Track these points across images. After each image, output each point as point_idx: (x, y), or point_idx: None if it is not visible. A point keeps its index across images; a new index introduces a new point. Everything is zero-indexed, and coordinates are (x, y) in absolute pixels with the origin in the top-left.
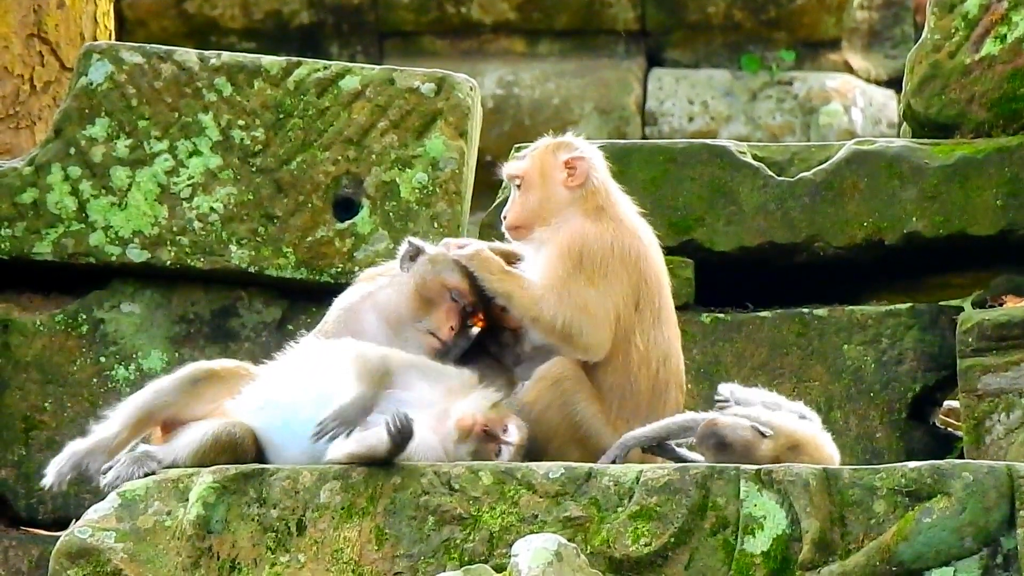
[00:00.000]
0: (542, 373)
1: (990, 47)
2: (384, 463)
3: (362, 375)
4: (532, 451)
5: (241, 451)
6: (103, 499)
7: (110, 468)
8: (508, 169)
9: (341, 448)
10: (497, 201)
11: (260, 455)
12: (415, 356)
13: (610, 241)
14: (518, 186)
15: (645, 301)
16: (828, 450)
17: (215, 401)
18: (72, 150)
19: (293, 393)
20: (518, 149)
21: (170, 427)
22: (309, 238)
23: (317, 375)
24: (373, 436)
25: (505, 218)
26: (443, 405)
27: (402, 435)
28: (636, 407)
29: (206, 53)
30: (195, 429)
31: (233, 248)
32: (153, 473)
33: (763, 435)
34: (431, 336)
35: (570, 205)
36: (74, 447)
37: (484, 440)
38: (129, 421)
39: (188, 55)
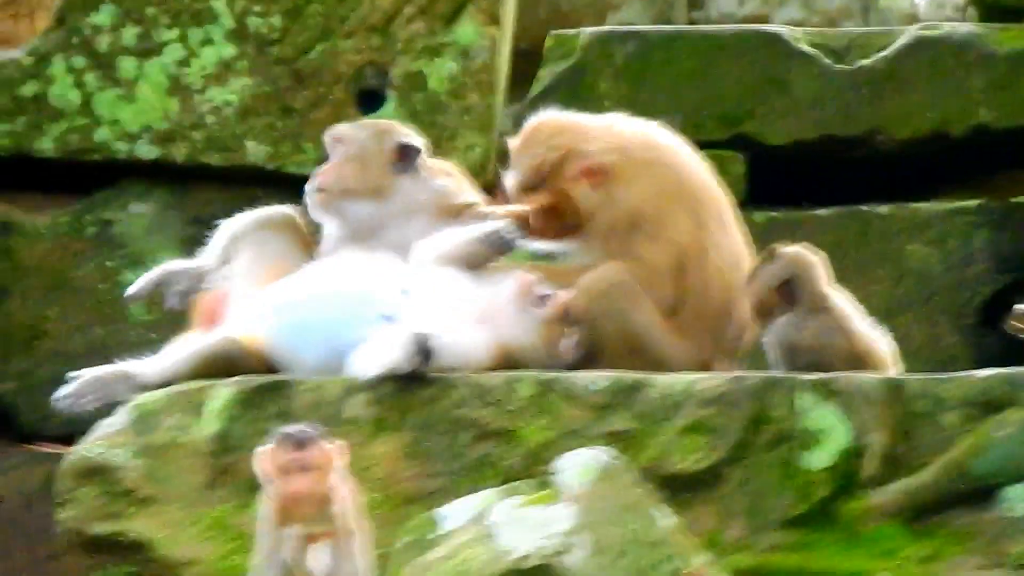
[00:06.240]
0: (589, 283)
1: None
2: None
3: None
4: (583, 364)
5: (242, 369)
6: (114, 412)
7: (73, 380)
8: (531, 200)
9: (365, 368)
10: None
11: (268, 370)
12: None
13: (653, 192)
14: (547, 208)
15: (706, 213)
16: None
17: (280, 257)
18: (76, 39)
19: (317, 292)
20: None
21: (213, 316)
22: None
23: (343, 276)
24: (395, 354)
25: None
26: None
27: (424, 354)
28: (703, 316)
29: None
30: (189, 344)
31: (250, 144)
32: (112, 403)
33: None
34: None
35: (603, 197)
36: (164, 268)
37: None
38: (220, 249)
39: None
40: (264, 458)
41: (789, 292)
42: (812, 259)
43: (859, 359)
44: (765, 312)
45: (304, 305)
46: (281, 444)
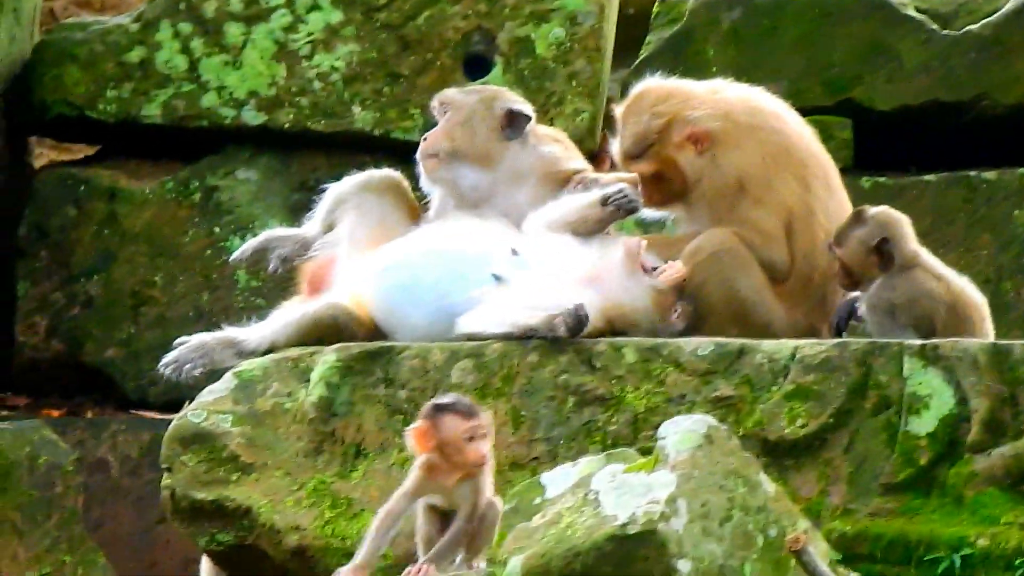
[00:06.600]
0: (695, 248)
1: None
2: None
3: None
4: (688, 330)
5: (347, 335)
6: (218, 378)
7: (177, 346)
8: (637, 168)
9: (511, 321)
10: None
11: (373, 336)
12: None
13: (759, 156)
14: (653, 175)
15: (812, 177)
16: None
17: (385, 221)
18: (182, 5)
19: (427, 252)
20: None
21: (319, 283)
22: None
23: (453, 238)
24: (551, 319)
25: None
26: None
27: (579, 327)
28: (810, 281)
29: None
30: (293, 310)
31: (356, 110)
32: (216, 369)
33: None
34: None
35: (708, 163)
36: (269, 234)
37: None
38: (324, 215)
39: None
40: (426, 434)
41: (884, 252)
42: (901, 217)
43: (957, 305)
44: (859, 276)
45: (414, 264)
46: (459, 414)
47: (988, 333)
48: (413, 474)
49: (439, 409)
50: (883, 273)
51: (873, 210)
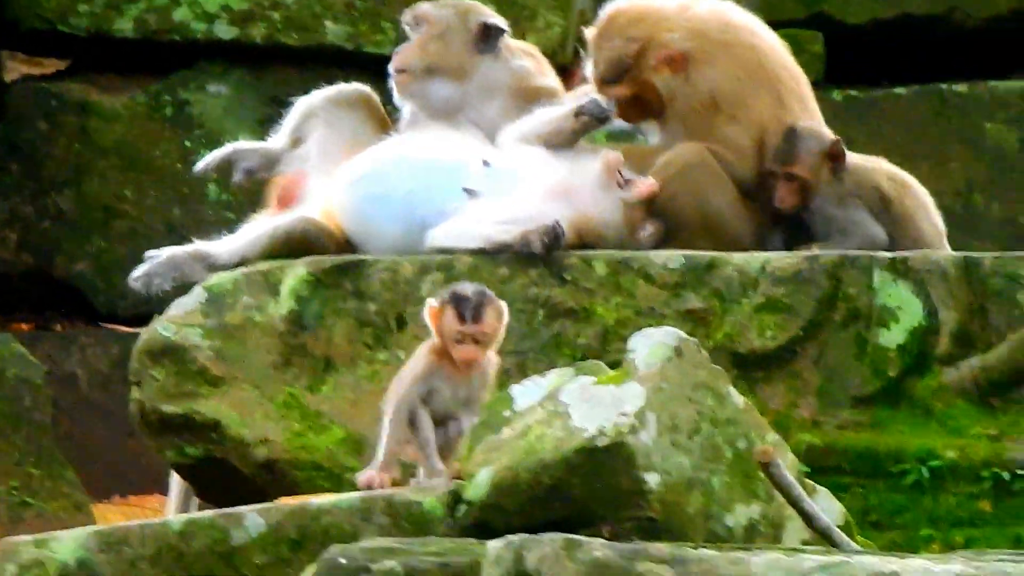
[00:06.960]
0: (668, 160)
1: None
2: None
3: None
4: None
5: (318, 248)
6: (187, 293)
7: (148, 260)
8: (613, 92)
9: (488, 235)
10: None
11: (344, 250)
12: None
13: (733, 73)
14: (630, 98)
15: (786, 92)
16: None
17: (355, 135)
18: None
19: (399, 164)
20: None
21: (289, 197)
22: None
23: (424, 148)
24: (527, 236)
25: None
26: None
27: (555, 245)
28: None
29: None
30: (264, 223)
31: (328, 24)
32: (187, 283)
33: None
34: None
35: (683, 81)
36: (235, 146)
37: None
38: (291, 128)
39: None
40: (437, 317)
41: (837, 154)
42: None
43: (894, 176)
44: (814, 189)
45: (386, 176)
46: (458, 313)
47: (933, 210)
48: (421, 355)
49: (450, 299)
50: (834, 177)
51: (801, 125)
